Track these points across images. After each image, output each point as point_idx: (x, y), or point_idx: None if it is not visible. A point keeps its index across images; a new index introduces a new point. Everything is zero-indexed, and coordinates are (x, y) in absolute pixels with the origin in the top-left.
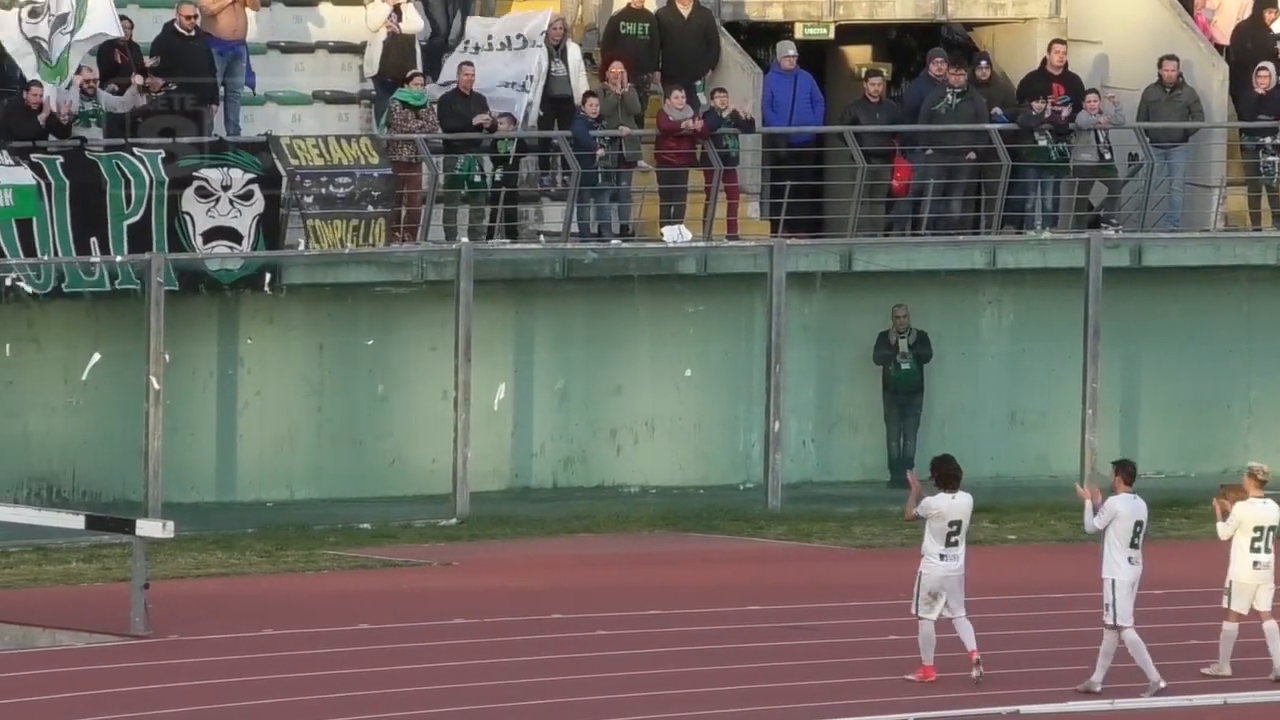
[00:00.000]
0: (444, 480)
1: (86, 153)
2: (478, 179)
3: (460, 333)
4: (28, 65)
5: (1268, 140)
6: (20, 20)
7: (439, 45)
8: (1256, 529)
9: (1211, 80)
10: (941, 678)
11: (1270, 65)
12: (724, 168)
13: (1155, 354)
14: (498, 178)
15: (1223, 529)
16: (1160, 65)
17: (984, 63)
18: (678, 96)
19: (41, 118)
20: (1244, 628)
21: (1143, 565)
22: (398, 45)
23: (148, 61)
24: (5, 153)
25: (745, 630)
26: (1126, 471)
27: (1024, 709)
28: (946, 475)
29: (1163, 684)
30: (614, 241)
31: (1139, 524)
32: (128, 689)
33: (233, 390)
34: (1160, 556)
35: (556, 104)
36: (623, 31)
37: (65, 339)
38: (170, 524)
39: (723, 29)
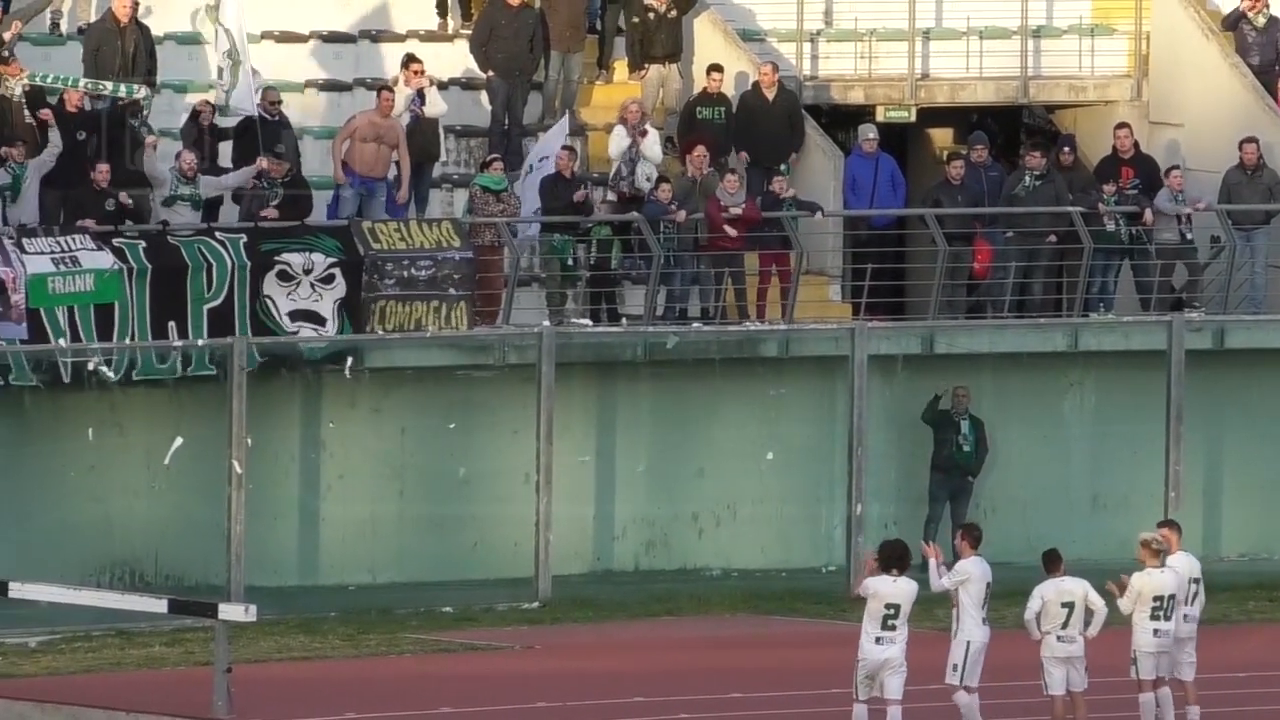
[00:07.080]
0: (526, 563)
1: (169, 237)
2: (570, 261)
3: (542, 416)
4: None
5: None
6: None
7: (514, 131)
8: (1156, 599)
9: None
10: None
11: None
12: (779, 251)
13: (1238, 436)
14: (592, 261)
15: (1124, 604)
16: (1241, 147)
17: (1067, 148)
18: (731, 181)
19: (109, 203)
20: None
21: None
22: (421, 129)
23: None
24: (88, 237)
25: (827, 713)
26: (972, 535)
27: None
28: (890, 557)
29: None
30: (695, 325)
31: (988, 585)
32: None
33: (315, 474)
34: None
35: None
36: (699, 116)
37: (147, 423)
38: (253, 608)
39: (805, 112)
